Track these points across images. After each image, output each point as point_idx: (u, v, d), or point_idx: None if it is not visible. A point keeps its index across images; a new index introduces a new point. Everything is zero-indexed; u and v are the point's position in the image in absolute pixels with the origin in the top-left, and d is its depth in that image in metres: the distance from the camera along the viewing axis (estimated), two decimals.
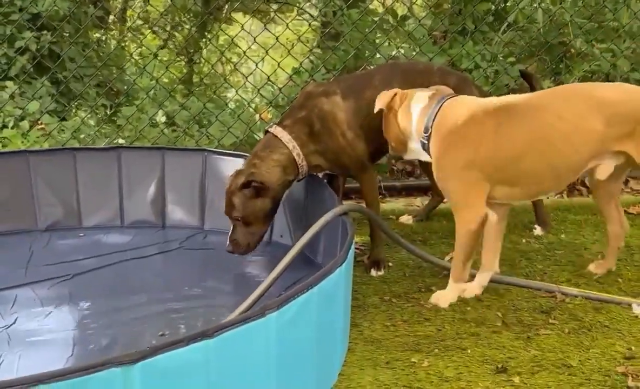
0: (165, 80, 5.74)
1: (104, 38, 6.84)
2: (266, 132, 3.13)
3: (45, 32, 5.27)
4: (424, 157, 2.88)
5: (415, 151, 2.91)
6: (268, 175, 2.98)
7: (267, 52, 4.57)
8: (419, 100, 2.85)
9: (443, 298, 2.81)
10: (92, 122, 4.76)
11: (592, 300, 2.80)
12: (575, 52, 5.14)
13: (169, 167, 3.63)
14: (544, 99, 2.73)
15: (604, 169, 2.73)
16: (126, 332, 2.58)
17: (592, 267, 3.06)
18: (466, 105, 2.77)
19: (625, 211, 3.73)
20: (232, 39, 5.02)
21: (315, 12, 6.40)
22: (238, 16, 8.73)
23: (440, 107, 2.78)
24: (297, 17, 5.73)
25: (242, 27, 4.82)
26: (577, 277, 3.03)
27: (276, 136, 3.05)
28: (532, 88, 3.33)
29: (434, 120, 2.76)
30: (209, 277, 3.08)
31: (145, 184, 3.64)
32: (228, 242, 3.01)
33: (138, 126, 4.45)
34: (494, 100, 2.78)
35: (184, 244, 3.40)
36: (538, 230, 3.53)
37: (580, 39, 5.02)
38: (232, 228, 3.01)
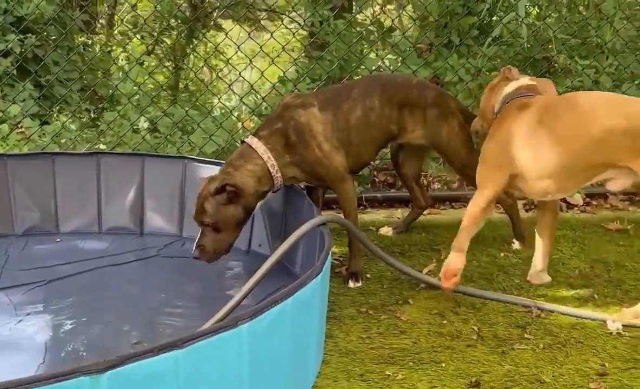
0: (151, 85, 5.74)
1: (89, 42, 6.82)
2: (242, 142, 3.13)
3: (29, 35, 5.24)
4: None
5: None
6: (241, 184, 2.97)
7: (250, 61, 4.58)
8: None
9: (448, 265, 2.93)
10: (73, 127, 4.73)
11: (568, 316, 2.81)
12: (559, 67, 5.18)
13: (148, 173, 3.62)
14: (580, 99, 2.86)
15: (619, 183, 2.77)
16: (100, 339, 2.56)
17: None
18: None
19: (603, 227, 3.80)
20: (216, 47, 5.01)
21: (302, 21, 6.42)
22: (227, 23, 8.76)
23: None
24: (284, 26, 5.72)
25: (227, 34, 4.81)
26: (553, 292, 3.04)
27: (251, 146, 3.05)
28: None
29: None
30: (186, 285, 3.06)
31: (124, 190, 3.62)
32: (194, 247, 2.96)
33: (120, 132, 4.43)
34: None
35: (161, 252, 3.38)
36: (516, 245, 3.54)
37: (564, 54, 5.07)
38: (200, 233, 2.97)
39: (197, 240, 2.96)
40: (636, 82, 4.99)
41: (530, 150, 2.80)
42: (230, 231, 2.97)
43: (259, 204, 3.07)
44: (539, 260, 3.13)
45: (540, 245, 3.11)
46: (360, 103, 3.23)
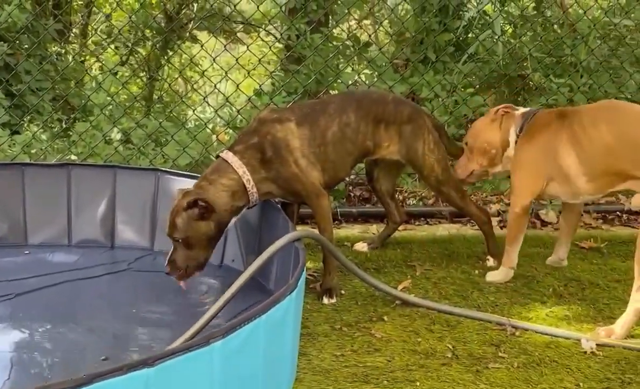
0: (124, 96, 5.67)
1: (62, 51, 6.74)
2: (217, 156, 3.09)
3: (1, 43, 5.16)
4: None
5: None
6: (215, 198, 2.92)
7: (226, 73, 4.54)
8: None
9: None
10: (44, 137, 4.65)
11: (542, 334, 2.80)
12: (534, 85, 5.22)
13: (120, 186, 3.55)
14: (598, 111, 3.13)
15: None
16: (68, 355, 2.50)
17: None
18: None
19: (576, 245, 3.81)
20: (191, 59, 4.97)
21: (279, 35, 6.40)
22: (203, 35, 8.71)
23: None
24: (260, 39, 5.70)
25: (202, 46, 4.76)
26: (527, 310, 3.03)
27: (226, 161, 3.01)
28: None
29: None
30: (157, 300, 3.00)
31: (94, 203, 3.55)
32: (166, 263, 2.89)
33: (92, 142, 4.36)
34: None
35: (132, 265, 3.32)
36: (491, 262, 3.53)
37: (539, 73, 5.10)
38: (172, 249, 2.91)
39: (169, 255, 2.91)
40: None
41: (574, 154, 3.05)
42: (202, 247, 2.91)
43: (233, 220, 3.03)
44: (563, 251, 3.51)
45: (564, 239, 3.49)
46: (337, 118, 3.21)
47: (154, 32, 7.52)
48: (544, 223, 4.24)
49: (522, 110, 3.35)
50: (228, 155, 3.02)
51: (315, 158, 3.12)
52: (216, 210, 2.90)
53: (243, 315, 1.99)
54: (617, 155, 2.93)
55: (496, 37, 4.94)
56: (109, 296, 3.04)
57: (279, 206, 3.21)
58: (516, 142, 3.26)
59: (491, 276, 3.35)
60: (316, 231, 3.17)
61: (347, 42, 5.63)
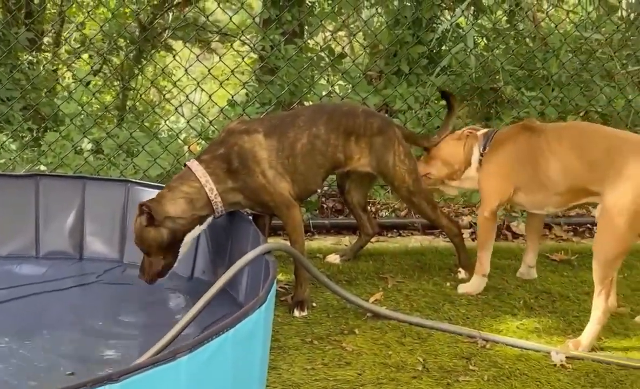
0: (97, 105, 5.62)
1: (34, 60, 6.66)
2: (185, 164, 3.09)
3: None
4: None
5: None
6: (170, 205, 2.94)
7: (198, 84, 4.52)
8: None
9: (469, 287, 3.35)
10: (13, 147, 4.59)
11: (513, 347, 2.80)
12: (506, 98, 5.26)
13: (89, 197, 3.50)
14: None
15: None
16: (34, 369, 2.43)
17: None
18: None
19: (547, 257, 3.84)
20: (163, 69, 4.93)
21: (253, 45, 6.39)
22: (178, 44, 8.68)
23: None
24: (234, 50, 5.67)
25: (174, 57, 4.73)
26: (498, 323, 3.04)
27: (191, 169, 3.01)
28: (451, 107, 3.56)
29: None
30: (125, 313, 2.96)
31: (63, 214, 3.49)
32: (139, 272, 3.01)
33: (61, 153, 4.31)
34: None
35: (101, 277, 3.27)
36: (462, 274, 3.54)
37: (511, 86, 5.14)
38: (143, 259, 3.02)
39: (140, 264, 3.01)
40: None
41: (541, 167, 3.14)
42: (158, 254, 2.96)
43: (199, 229, 3.03)
44: (530, 258, 3.55)
45: (530, 245, 3.55)
46: (307, 130, 3.21)
47: (128, 42, 7.47)
48: (515, 235, 4.26)
49: (483, 130, 3.49)
50: (193, 164, 3.03)
51: (284, 169, 3.11)
52: (158, 218, 2.90)
53: (211, 329, 1.97)
54: (578, 172, 3.01)
55: (469, 50, 4.97)
56: (77, 309, 2.99)
57: (250, 218, 3.19)
58: (480, 161, 3.38)
59: (464, 288, 3.37)
60: (288, 243, 3.16)
61: (322, 54, 5.64)
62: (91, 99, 4.87)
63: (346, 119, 3.32)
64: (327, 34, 6.58)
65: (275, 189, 3.07)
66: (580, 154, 3.01)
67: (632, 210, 2.74)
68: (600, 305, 2.79)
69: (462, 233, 3.64)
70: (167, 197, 2.96)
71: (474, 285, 3.37)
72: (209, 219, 3.05)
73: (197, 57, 4.42)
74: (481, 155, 3.38)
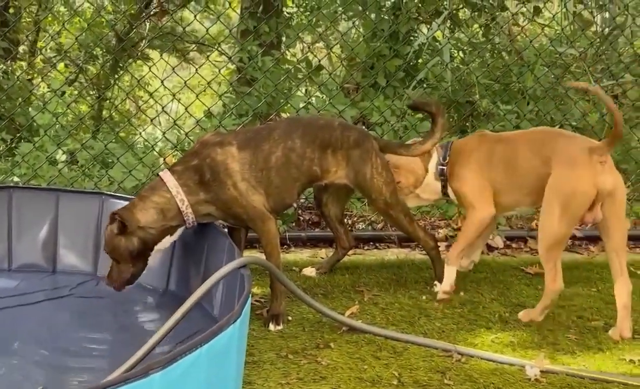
0: (72, 116, 5.57)
1: (9, 70, 6.59)
2: (157, 175, 3.11)
3: None
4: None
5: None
6: (141, 215, 2.96)
7: (174, 96, 4.49)
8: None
9: (444, 285, 3.44)
10: None
11: (488, 361, 2.81)
12: (482, 111, 5.29)
13: (63, 209, 3.46)
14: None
15: None
16: (4, 384, 2.40)
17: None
18: None
19: (522, 270, 3.86)
20: (139, 81, 4.91)
21: (231, 56, 6.38)
22: (156, 54, 8.64)
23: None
24: (210, 62, 5.66)
25: (150, 69, 4.71)
26: (473, 336, 3.04)
27: (162, 180, 3.02)
28: (433, 118, 3.47)
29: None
30: (98, 328, 2.92)
31: (36, 226, 3.45)
32: (106, 278, 3.05)
33: (35, 164, 4.26)
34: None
35: (74, 291, 3.23)
36: (438, 287, 3.54)
37: (487, 99, 5.18)
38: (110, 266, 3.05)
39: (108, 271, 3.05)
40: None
41: (505, 170, 3.36)
42: (127, 262, 2.99)
43: (169, 239, 3.05)
44: (475, 254, 3.78)
45: (481, 243, 3.79)
46: (282, 143, 3.20)
47: (104, 51, 7.43)
48: (491, 248, 4.28)
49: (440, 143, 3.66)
50: (165, 175, 3.04)
51: (257, 182, 3.10)
52: (130, 227, 2.93)
53: (184, 345, 1.95)
54: (539, 172, 3.21)
55: (445, 64, 5.01)
56: (49, 323, 2.95)
57: (226, 231, 3.18)
58: (443, 172, 3.52)
59: (440, 289, 3.47)
60: (263, 256, 3.14)
61: (299, 66, 5.64)
62: (66, 110, 4.81)
63: (322, 132, 3.32)
64: (306, 45, 6.59)
65: (247, 202, 3.06)
66: (539, 154, 3.23)
67: (565, 193, 3.04)
68: (548, 285, 3.15)
69: (439, 246, 3.64)
70: (138, 206, 2.98)
71: (447, 279, 3.45)
72: (180, 230, 3.08)
73: (174, 69, 4.37)
74: (442, 165, 3.51)
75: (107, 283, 3.04)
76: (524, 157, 3.31)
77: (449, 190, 3.54)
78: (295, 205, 4.27)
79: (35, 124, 4.86)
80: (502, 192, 3.40)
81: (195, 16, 4.52)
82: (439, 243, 3.68)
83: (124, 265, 3.00)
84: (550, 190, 3.11)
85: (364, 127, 4.58)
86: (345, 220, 3.98)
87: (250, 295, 2.44)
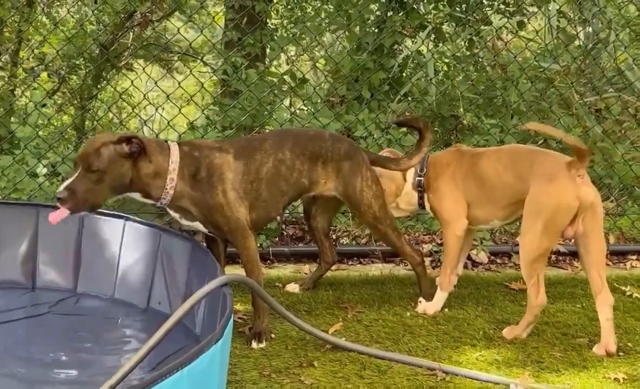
0: (53, 127, 5.51)
1: None
2: (166, 141, 3.08)
3: None
4: None
5: None
6: (154, 157, 2.94)
7: (156, 109, 4.46)
8: None
9: (430, 307, 3.46)
10: None
11: (472, 379, 2.79)
12: (466, 125, 5.30)
13: (43, 225, 3.40)
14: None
15: None
16: None
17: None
18: None
19: (507, 286, 3.85)
20: (121, 95, 4.86)
21: (215, 68, 6.35)
22: (141, 64, 8.60)
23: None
24: (192, 75, 5.61)
25: (132, 82, 4.67)
26: (458, 354, 3.02)
27: (169, 148, 2.99)
28: (420, 132, 3.53)
29: None
30: (78, 346, 2.86)
31: (15, 242, 3.39)
32: (62, 189, 2.82)
33: (15, 177, 4.19)
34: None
35: (53, 308, 3.17)
36: (423, 304, 3.52)
37: (471, 113, 5.19)
38: (75, 176, 2.83)
39: (68, 181, 2.84)
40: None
41: (481, 184, 3.40)
42: (109, 188, 2.90)
43: (137, 196, 3.01)
44: (459, 267, 3.72)
45: (462, 257, 3.74)
46: (272, 155, 3.19)
47: (87, 62, 7.37)
48: (475, 264, 4.27)
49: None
50: (174, 148, 3.01)
51: (245, 194, 3.08)
52: (149, 152, 2.90)
53: (165, 367, 1.92)
54: (514, 187, 3.27)
55: (429, 78, 5.01)
56: (27, 341, 2.90)
57: (208, 250, 3.14)
58: (420, 184, 3.57)
59: (424, 306, 3.49)
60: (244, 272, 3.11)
61: (284, 78, 5.62)
62: (47, 123, 4.75)
63: (312, 144, 3.30)
64: (290, 57, 6.57)
65: (232, 212, 3.03)
66: (513, 171, 3.28)
67: (548, 207, 3.05)
68: (531, 300, 3.16)
69: (425, 262, 3.63)
70: (151, 149, 2.94)
71: (436, 303, 3.48)
72: (149, 202, 3.03)
73: (156, 83, 4.34)
74: (419, 176, 3.57)
75: (64, 197, 2.81)
76: (497, 172, 3.35)
77: (425, 202, 3.59)
78: (278, 219, 4.24)
79: (16, 135, 4.80)
80: (476, 206, 3.44)
81: (178, 30, 4.49)
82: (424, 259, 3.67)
83: (104, 188, 2.87)
84: (532, 205, 3.13)
85: None
86: (330, 235, 3.95)
87: (233, 314, 2.40)
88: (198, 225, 3.12)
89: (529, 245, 3.12)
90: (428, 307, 3.46)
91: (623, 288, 3.89)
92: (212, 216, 3.04)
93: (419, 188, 3.57)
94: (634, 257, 4.55)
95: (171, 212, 3.10)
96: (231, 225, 3.05)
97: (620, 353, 3.06)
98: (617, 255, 4.58)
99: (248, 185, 3.10)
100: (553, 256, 4.45)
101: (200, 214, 3.05)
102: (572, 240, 3.22)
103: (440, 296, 3.49)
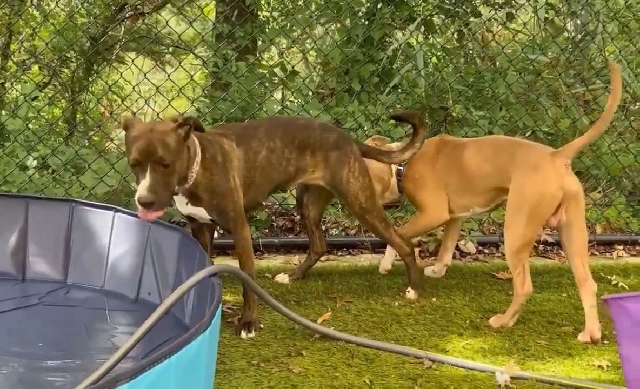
0: (44, 120, 5.50)
1: None
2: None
3: None
4: None
5: None
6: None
7: (146, 101, 4.47)
8: None
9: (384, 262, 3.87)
10: None
11: (458, 367, 2.82)
12: (455, 117, 5.32)
13: (32, 216, 3.43)
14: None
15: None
16: None
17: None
18: None
19: (494, 276, 3.88)
20: (110, 87, 4.86)
21: (205, 60, 6.35)
22: (132, 56, 8.58)
23: None
24: (182, 68, 5.63)
25: (121, 74, 4.67)
26: (445, 343, 3.06)
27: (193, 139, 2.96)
28: (415, 127, 3.56)
29: None
30: (68, 337, 2.89)
31: (5, 234, 3.41)
32: (145, 193, 2.68)
33: (5, 170, 4.20)
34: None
35: (44, 299, 3.20)
36: (411, 293, 3.55)
37: (460, 105, 5.21)
38: (149, 175, 2.70)
39: (146, 183, 2.70)
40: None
41: (461, 173, 3.49)
42: (177, 176, 2.82)
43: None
44: (447, 256, 3.87)
45: (450, 246, 3.87)
46: (266, 143, 3.22)
47: (77, 54, 7.36)
48: (463, 254, 4.31)
49: (395, 144, 3.86)
50: (195, 139, 2.97)
51: (243, 181, 3.11)
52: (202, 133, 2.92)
53: (152, 356, 1.93)
54: (494, 176, 3.37)
55: (418, 70, 5.02)
56: (18, 331, 2.92)
57: (196, 240, 3.16)
58: (399, 172, 3.71)
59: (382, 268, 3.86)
60: (231, 264, 3.13)
61: (274, 70, 5.62)
62: (37, 115, 4.76)
63: (301, 132, 3.33)
64: (281, 50, 6.58)
65: (238, 199, 3.06)
66: (494, 162, 3.37)
67: (533, 197, 3.12)
68: (517, 289, 3.21)
69: (414, 253, 3.66)
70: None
71: (387, 258, 3.89)
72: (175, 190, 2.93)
73: (145, 75, 4.34)
74: (400, 165, 3.69)
75: (152, 200, 2.70)
76: (478, 163, 3.44)
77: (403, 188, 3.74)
78: (267, 211, 4.27)
79: (6, 128, 4.80)
80: (456, 195, 3.53)
81: (167, 22, 4.49)
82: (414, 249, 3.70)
83: (175, 178, 2.79)
84: (516, 195, 3.20)
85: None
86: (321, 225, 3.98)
87: (221, 304, 2.43)
88: (201, 212, 3.09)
89: (513, 234, 3.18)
90: (384, 264, 3.83)
91: (609, 277, 3.94)
92: (224, 201, 3.03)
93: (399, 177, 3.71)
94: (620, 247, 4.60)
95: (181, 198, 3.05)
96: (237, 211, 3.06)
97: (605, 341, 3.09)
98: (603, 245, 4.63)
99: (246, 172, 3.12)
100: (540, 246, 4.49)
101: (210, 199, 3.03)
102: (555, 230, 3.27)
103: (391, 252, 3.83)
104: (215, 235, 3.53)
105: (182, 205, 3.07)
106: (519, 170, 3.22)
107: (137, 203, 2.72)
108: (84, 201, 3.53)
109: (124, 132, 2.87)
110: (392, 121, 4.77)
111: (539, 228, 3.25)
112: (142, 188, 2.69)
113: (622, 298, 2.09)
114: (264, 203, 4.07)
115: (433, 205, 3.58)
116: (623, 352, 2.10)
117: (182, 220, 4.05)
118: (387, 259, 3.91)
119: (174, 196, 3.03)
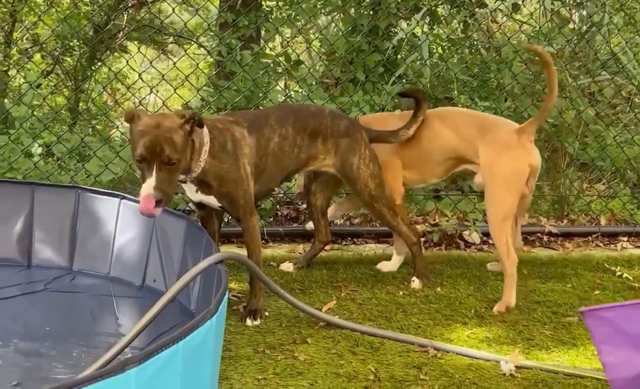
0: (48, 108, 5.50)
1: None
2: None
3: None
4: None
5: None
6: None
7: (151, 89, 4.46)
8: None
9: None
10: None
11: (463, 356, 2.83)
12: (460, 107, 5.30)
13: (38, 203, 3.43)
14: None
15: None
16: None
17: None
18: None
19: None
20: (116, 74, 4.86)
21: (210, 49, 6.33)
22: (135, 46, 8.57)
23: None
24: (187, 55, 5.61)
25: (127, 62, 4.67)
26: (449, 332, 3.06)
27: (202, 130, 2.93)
28: (418, 102, 3.61)
29: None
30: (74, 323, 2.90)
31: (11, 220, 3.42)
32: (152, 191, 2.65)
33: (11, 157, 4.20)
34: None
35: (49, 286, 3.20)
36: (416, 282, 3.56)
37: (465, 95, 5.20)
38: (155, 172, 2.67)
39: (152, 181, 2.66)
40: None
41: (419, 145, 3.60)
42: (181, 171, 2.82)
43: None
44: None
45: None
46: (277, 130, 3.23)
47: (81, 43, 7.34)
48: (468, 244, 4.31)
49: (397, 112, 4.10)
50: (204, 128, 2.94)
51: (255, 169, 3.12)
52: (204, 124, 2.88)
53: (160, 341, 1.94)
54: (456, 146, 3.53)
55: (424, 60, 5.01)
56: (23, 318, 2.92)
57: (203, 227, 3.16)
58: None
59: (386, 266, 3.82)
60: (238, 252, 3.14)
61: (279, 59, 5.61)
62: (42, 103, 4.76)
63: (313, 120, 3.34)
64: (285, 39, 6.56)
65: (249, 187, 3.07)
66: (457, 132, 3.53)
67: (506, 174, 3.32)
68: (503, 259, 3.34)
69: (421, 242, 3.66)
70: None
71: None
72: (182, 178, 2.94)
73: (151, 62, 4.34)
74: None
75: (161, 197, 2.67)
76: (439, 133, 3.57)
77: None
78: (272, 200, 4.27)
79: (10, 116, 4.80)
80: (414, 167, 3.63)
81: (173, 10, 4.48)
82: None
83: (177, 174, 2.78)
84: (491, 173, 3.37)
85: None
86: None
87: (227, 291, 2.43)
88: (211, 199, 3.08)
89: (495, 208, 3.36)
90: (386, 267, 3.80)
91: (613, 268, 3.93)
92: (234, 188, 3.03)
93: None
94: (625, 239, 4.60)
95: (190, 186, 3.04)
96: (246, 199, 3.06)
97: None
98: (608, 237, 4.63)
99: (258, 159, 3.13)
100: (545, 237, 4.49)
101: (221, 187, 3.02)
102: None
103: (397, 259, 3.84)
104: None
105: (192, 192, 3.07)
106: (489, 146, 3.39)
107: (141, 199, 2.70)
108: (90, 188, 3.53)
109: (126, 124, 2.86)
110: (397, 111, 4.76)
111: (517, 200, 3.34)
112: (149, 186, 2.67)
113: (599, 309, 2.15)
114: (275, 190, 4.06)
115: (395, 185, 3.65)
116: (605, 359, 2.15)
117: (187, 207, 4.06)
118: (391, 265, 3.82)
119: (183, 185, 3.04)
